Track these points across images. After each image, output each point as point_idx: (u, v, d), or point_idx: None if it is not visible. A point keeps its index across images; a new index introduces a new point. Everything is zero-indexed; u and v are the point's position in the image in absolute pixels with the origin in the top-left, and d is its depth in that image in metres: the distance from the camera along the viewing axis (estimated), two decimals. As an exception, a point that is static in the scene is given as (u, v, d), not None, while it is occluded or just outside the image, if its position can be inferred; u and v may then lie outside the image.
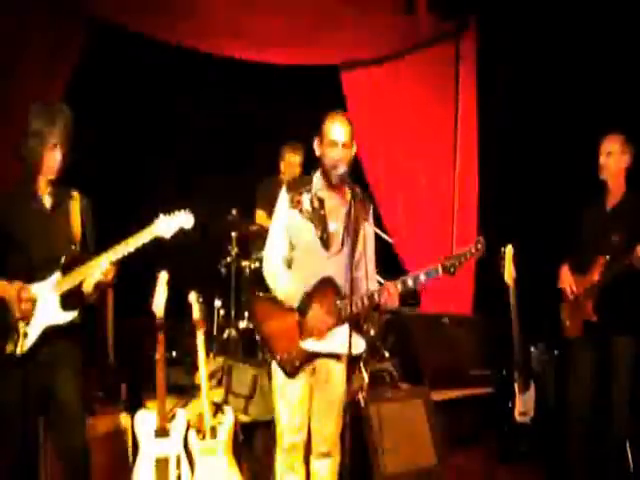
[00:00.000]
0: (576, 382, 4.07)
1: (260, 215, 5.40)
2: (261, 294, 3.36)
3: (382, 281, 3.26)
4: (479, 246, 3.14)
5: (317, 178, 3.28)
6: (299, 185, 3.28)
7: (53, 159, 3.15)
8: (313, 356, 3.18)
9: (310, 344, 3.15)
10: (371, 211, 3.31)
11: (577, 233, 4.15)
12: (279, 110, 5.86)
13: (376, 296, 3.11)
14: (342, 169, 3.13)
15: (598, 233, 3.98)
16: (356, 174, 3.32)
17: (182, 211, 3.22)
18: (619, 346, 3.90)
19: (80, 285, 3.15)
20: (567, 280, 4.08)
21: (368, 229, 3.27)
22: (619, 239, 3.86)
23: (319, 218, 3.21)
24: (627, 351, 3.90)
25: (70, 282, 3.13)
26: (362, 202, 3.20)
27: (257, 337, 4.31)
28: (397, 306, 3.13)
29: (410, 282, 3.11)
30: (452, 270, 3.09)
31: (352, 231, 3.16)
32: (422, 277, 3.10)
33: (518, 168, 5.63)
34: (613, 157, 3.96)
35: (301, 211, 3.21)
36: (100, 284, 3.17)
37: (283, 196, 3.27)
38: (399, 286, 3.10)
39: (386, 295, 3.08)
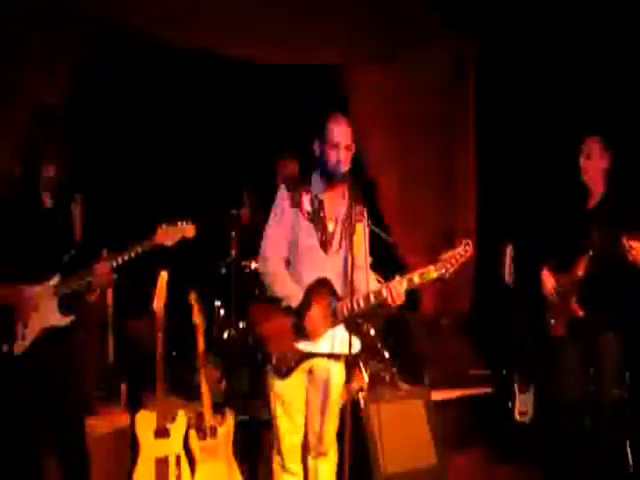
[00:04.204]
0: (567, 381, 4.09)
1: (244, 214, 5.40)
2: (257, 295, 3.32)
3: (381, 280, 3.26)
4: (467, 248, 3.16)
5: (315, 179, 3.25)
6: (298, 184, 3.24)
7: (47, 173, 3.15)
8: (308, 356, 3.17)
9: (305, 345, 3.14)
10: (365, 212, 3.28)
11: (557, 234, 4.20)
12: (279, 110, 5.86)
13: (384, 292, 3.10)
14: (343, 170, 3.13)
15: (579, 232, 4.01)
16: (355, 174, 3.31)
17: (184, 222, 3.23)
18: (606, 342, 3.93)
19: (79, 288, 3.15)
20: (549, 282, 4.13)
21: (363, 229, 3.25)
22: (600, 237, 3.90)
23: (319, 220, 3.19)
24: (614, 347, 3.93)
25: (69, 285, 3.13)
26: (358, 202, 3.20)
27: (250, 339, 4.30)
28: (403, 302, 3.13)
29: (410, 282, 3.12)
30: (446, 276, 3.12)
31: (349, 232, 3.17)
32: (416, 279, 3.11)
33: (518, 167, 5.63)
34: (592, 159, 4.01)
35: (302, 211, 3.19)
36: (96, 287, 3.18)
37: (283, 195, 3.22)
38: (404, 283, 3.11)
39: (393, 291, 3.08)
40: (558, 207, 4.27)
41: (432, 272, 3.10)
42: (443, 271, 3.11)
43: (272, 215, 3.26)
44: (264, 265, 3.22)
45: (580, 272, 3.93)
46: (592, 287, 3.89)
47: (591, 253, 3.89)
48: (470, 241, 3.17)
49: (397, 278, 3.12)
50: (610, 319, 3.92)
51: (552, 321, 4.14)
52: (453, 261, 3.12)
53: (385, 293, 3.09)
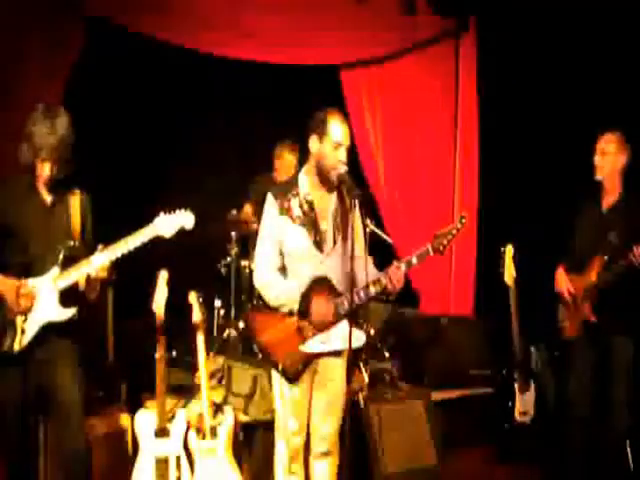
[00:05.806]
0: (575, 382, 4.07)
1: (246, 211, 5.39)
2: (256, 304, 3.32)
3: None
4: (463, 221, 3.18)
5: (303, 179, 3.23)
6: (285, 190, 3.22)
7: (43, 171, 3.15)
8: (314, 357, 3.17)
9: (310, 346, 3.14)
10: (358, 203, 3.20)
11: (572, 234, 4.15)
12: (279, 110, 5.86)
13: (383, 280, 3.11)
14: (343, 169, 3.12)
15: (594, 233, 3.96)
16: (355, 174, 3.30)
17: (183, 210, 3.21)
18: (618, 346, 3.90)
19: (78, 280, 3.14)
20: (563, 283, 4.08)
21: (357, 219, 3.25)
22: (616, 239, 3.84)
23: (311, 222, 3.18)
24: (626, 351, 3.90)
25: (69, 278, 3.12)
26: (351, 194, 3.18)
27: (255, 348, 4.30)
28: (402, 286, 3.14)
29: (408, 264, 3.14)
30: (441, 249, 3.14)
31: (343, 225, 3.19)
32: (414, 260, 3.14)
33: (518, 167, 5.63)
34: (608, 157, 3.92)
35: (292, 217, 3.17)
36: (96, 281, 3.17)
37: (271, 204, 3.20)
38: (403, 267, 3.12)
39: (393, 277, 3.09)
40: (572, 207, 4.18)
41: (429, 250, 3.14)
42: (440, 248, 3.14)
43: (262, 226, 3.24)
44: (257, 276, 3.22)
45: (594, 277, 3.88)
46: (606, 290, 3.85)
47: (606, 258, 3.83)
48: (466, 214, 3.21)
49: (395, 263, 3.14)
50: (624, 322, 3.88)
51: (565, 322, 4.11)
52: (450, 236, 3.15)
53: (385, 280, 3.11)
